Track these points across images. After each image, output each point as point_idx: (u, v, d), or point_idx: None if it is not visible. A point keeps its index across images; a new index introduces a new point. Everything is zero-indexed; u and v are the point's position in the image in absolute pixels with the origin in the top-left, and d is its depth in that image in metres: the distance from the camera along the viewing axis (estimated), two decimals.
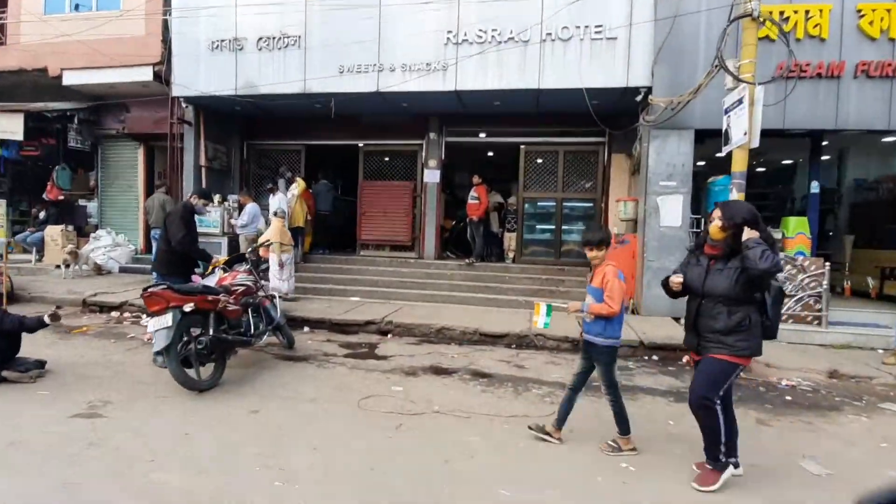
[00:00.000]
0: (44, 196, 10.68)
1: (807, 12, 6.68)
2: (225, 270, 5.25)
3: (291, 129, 10.04)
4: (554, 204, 9.30)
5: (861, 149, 9.00)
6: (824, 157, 7.65)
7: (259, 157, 10.56)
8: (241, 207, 8.90)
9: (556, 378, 4.81)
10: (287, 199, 9.03)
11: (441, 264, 9.24)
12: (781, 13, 6.65)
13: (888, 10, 6.57)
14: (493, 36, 7.48)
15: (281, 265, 7.59)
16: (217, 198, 8.98)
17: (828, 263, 7.07)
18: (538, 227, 9.57)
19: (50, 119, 10.11)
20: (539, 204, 9.52)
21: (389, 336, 6.36)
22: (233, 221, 8.72)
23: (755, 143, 5.23)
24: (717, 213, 2.91)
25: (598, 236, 3.26)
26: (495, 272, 8.85)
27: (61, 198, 10.55)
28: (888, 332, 6.89)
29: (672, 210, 7.03)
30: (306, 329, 6.54)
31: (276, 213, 8.11)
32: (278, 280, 7.53)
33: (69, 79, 9.46)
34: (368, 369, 4.90)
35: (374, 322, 6.52)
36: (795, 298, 7.02)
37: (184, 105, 9.15)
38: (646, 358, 5.77)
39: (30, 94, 10.01)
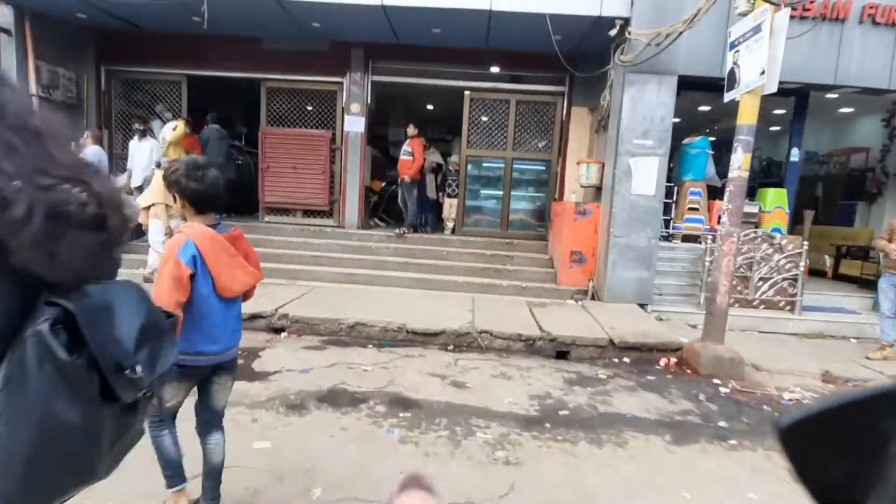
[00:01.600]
0: None
1: None
2: None
3: (168, 52, 7.61)
4: (502, 165, 7.79)
5: (816, 120, 8.22)
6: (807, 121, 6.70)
7: (126, 89, 8.04)
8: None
9: (510, 405, 3.40)
10: (157, 144, 6.80)
11: (365, 235, 7.51)
12: None
13: None
14: None
15: (170, 234, 5.54)
16: None
17: (806, 242, 6.22)
18: (483, 192, 8.06)
19: None
20: (485, 164, 7.97)
21: (284, 335, 4.65)
22: None
23: (773, 88, 3.96)
24: None
25: None
26: (431, 246, 7.28)
27: None
28: (858, 319, 6.24)
29: (647, 175, 5.77)
30: None
31: (157, 165, 6.01)
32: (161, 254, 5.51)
33: None
34: (231, 402, 3.19)
35: (263, 315, 4.76)
36: (770, 282, 6.13)
37: None
38: (616, 361, 4.54)
39: None
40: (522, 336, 4.63)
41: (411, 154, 7.36)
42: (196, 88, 8.10)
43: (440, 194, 8.02)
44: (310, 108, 7.85)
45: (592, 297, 6.18)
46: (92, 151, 6.30)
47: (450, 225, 8.03)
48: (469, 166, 7.85)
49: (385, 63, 7.59)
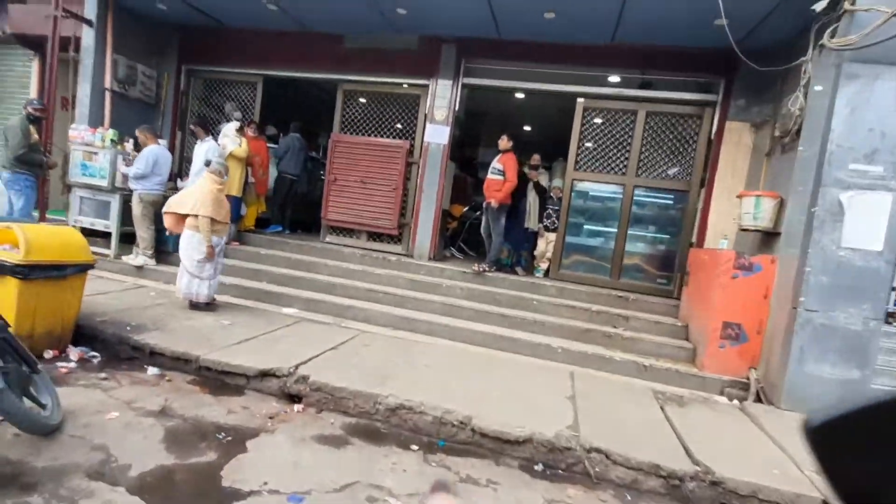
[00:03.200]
0: None
1: None
2: None
3: (247, 51, 6.99)
4: (620, 193, 6.00)
5: None
6: None
7: (205, 90, 7.56)
8: (137, 148, 5.93)
9: None
10: (217, 148, 6.03)
11: (436, 269, 6.08)
12: None
13: None
14: None
15: (210, 255, 4.62)
16: (110, 135, 6.00)
17: None
18: (590, 226, 6.29)
19: None
20: (594, 192, 6.23)
21: (298, 407, 3.26)
22: (122, 168, 5.74)
23: None
24: None
25: None
26: (518, 291, 5.64)
27: None
28: None
29: (870, 219, 3.68)
30: (151, 370, 3.51)
31: (207, 164, 5.18)
32: (196, 277, 4.58)
33: None
34: None
35: (277, 374, 3.42)
36: None
37: None
38: None
39: None
40: (661, 470, 2.79)
41: (502, 172, 5.86)
42: (271, 93, 7.41)
43: (540, 226, 6.38)
44: (388, 113, 6.73)
45: (758, 397, 4.09)
46: (148, 151, 5.61)
47: (542, 266, 6.34)
48: (574, 193, 6.16)
49: (481, 62, 6.25)
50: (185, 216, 4.74)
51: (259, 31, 6.81)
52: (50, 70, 5.95)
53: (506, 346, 4.72)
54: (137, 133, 5.81)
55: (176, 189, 6.35)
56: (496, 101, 8.14)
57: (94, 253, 3.82)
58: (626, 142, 5.92)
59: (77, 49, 6.40)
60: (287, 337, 4.26)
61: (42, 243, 3.30)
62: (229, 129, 6.22)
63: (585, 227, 6.30)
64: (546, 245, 6.32)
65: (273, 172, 7.56)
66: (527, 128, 10.23)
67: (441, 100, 6.28)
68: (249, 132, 6.69)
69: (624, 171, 5.96)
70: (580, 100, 6.01)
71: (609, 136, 6.00)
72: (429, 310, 5.31)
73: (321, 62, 6.73)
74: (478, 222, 8.23)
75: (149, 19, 6.86)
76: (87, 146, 5.94)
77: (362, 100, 6.78)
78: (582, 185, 6.19)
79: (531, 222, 6.41)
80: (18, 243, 3.18)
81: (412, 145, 6.53)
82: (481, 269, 5.89)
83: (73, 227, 5.90)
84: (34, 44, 7.11)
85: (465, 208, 7.85)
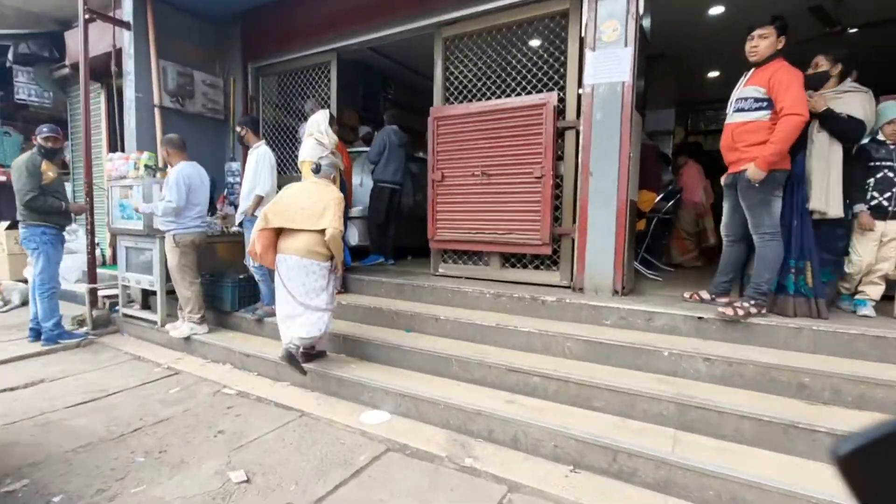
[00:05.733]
0: None
1: None
2: None
3: (314, 18, 5.07)
4: None
5: None
6: None
7: (280, 91, 5.85)
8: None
9: None
10: (269, 155, 4.13)
11: (634, 312, 3.17)
12: None
13: None
14: None
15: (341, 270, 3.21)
16: (144, 158, 4.47)
17: None
18: None
19: None
20: None
21: None
22: (140, 205, 4.11)
23: None
24: None
25: None
26: (845, 358, 2.47)
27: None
28: None
29: None
30: None
31: (316, 171, 3.50)
32: (321, 309, 3.17)
33: None
34: None
35: None
36: None
37: None
38: None
39: None
40: None
41: (765, 101, 2.77)
42: (347, 73, 5.38)
43: (861, 209, 3.04)
44: (515, 59, 4.09)
45: None
46: (177, 174, 3.89)
47: (872, 292, 3.01)
48: None
49: None
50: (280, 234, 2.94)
51: None
52: (83, 86, 4.68)
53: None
54: (160, 150, 4.16)
55: (225, 224, 4.59)
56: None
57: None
58: None
59: (119, 63, 5.12)
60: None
61: None
62: (319, 122, 4.17)
63: None
64: (878, 247, 2.98)
65: (367, 182, 5.50)
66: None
67: (611, 3, 3.45)
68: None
69: None
70: None
71: None
72: (642, 415, 2.49)
73: (407, 5, 4.43)
74: (669, 216, 5.13)
75: (199, 12, 5.39)
76: (123, 179, 4.51)
77: (474, 47, 4.27)
78: None
79: (826, 200, 3.08)
80: None
81: (562, 98, 3.79)
82: (741, 311, 2.83)
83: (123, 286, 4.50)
84: (97, 73, 6.19)
85: (659, 197, 4.78)
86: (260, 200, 4.02)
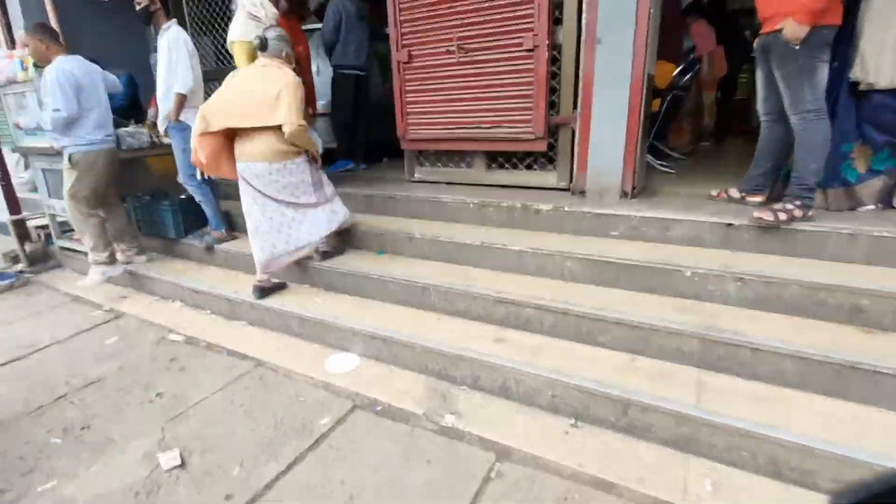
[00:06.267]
0: None
1: None
2: None
3: None
4: None
5: None
6: None
7: None
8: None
9: None
10: (183, 37, 3.22)
11: (648, 221, 2.60)
12: None
13: None
14: None
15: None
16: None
17: None
18: None
19: None
20: None
21: None
22: (18, 121, 3.31)
23: None
24: None
25: None
26: None
27: None
28: None
29: None
30: None
31: (262, 47, 2.74)
32: (318, 204, 2.83)
33: None
34: None
35: None
36: None
37: None
38: None
39: None
40: None
41: None
42: None
43: None
44: None
45: None
46: (57, 71, 3.00)
47: None
48: None
49: None
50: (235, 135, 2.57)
51: None
52: None
53: None
54: (25, 40, 3.21)
55: (154, 133, 3.80)
56: None
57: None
58: None
59: None
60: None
61: None
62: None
63: None
64: None
65: (325, 70, 4.56)
66: None
67: None
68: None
69: None
70: None
71: None
72: (658, 352, 2.06)
73: None
74: (684, 93, 4.34)
75: None
76: (13, 84, 3.60)
77: None
78: None
79: (874, 65, 2.32)
80: None
81: None
82: (782, 214, 2.27)
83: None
84: None
85: (677, 70, 3.91)
86: (183, 99, 3.20)
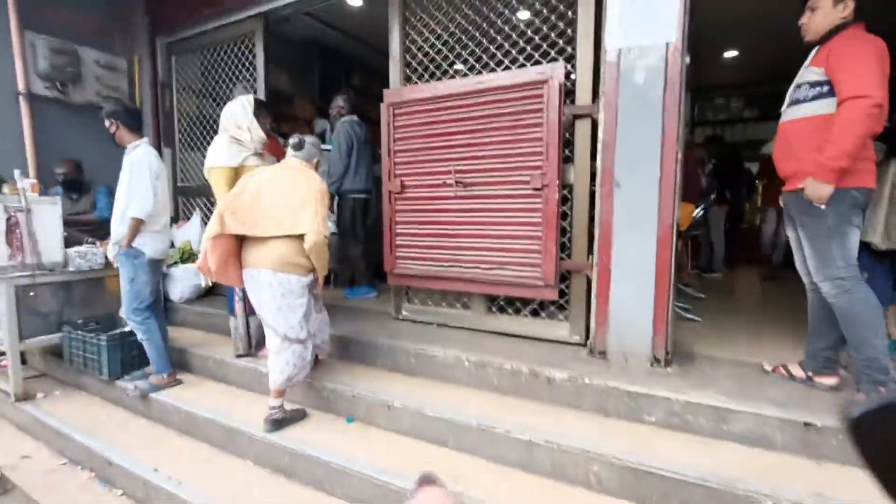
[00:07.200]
0: None
1: None
2: None
3: None
4: None
5: None
6: None
7: (202, 69, 4.55)
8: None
9: None
10: (151, 153, 2.87)
11: (693, 406, 2.00)
12: None
13: None
14: None
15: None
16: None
17: None
18: None
19: None
20: None
21: None
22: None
23: None
24: None
25: None
26: None
27: None
28: None
29: None
30: None
31: (297, 147, 2.59)
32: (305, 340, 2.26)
33: None
34: None
35: None
36: None
37: None
38: None
39: None
40: None
41: (824, 86, 1.65)
42: (300, 55, 4.14)
43: None
44: (504, 11, 2.86)
45: None
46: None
47: None
48: None
49: None
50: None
51: None
52: None
53: None
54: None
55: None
56: None
57: None
58: None
59: None
60: None
61: None
62: (236, 112, 2.92)
63: None
64: None
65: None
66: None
67: None
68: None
69: None
70: None
71: None
72: None
73: None
74: (699, 231, 4.01)
75: None
76: None
77: (443, 2, 3.02)
78: None
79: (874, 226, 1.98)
80: None
81: (571, 71, 2.58)
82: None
83: None
84: None
85: (699, 208, 3.61)
86: (139, 224, 2.79)
